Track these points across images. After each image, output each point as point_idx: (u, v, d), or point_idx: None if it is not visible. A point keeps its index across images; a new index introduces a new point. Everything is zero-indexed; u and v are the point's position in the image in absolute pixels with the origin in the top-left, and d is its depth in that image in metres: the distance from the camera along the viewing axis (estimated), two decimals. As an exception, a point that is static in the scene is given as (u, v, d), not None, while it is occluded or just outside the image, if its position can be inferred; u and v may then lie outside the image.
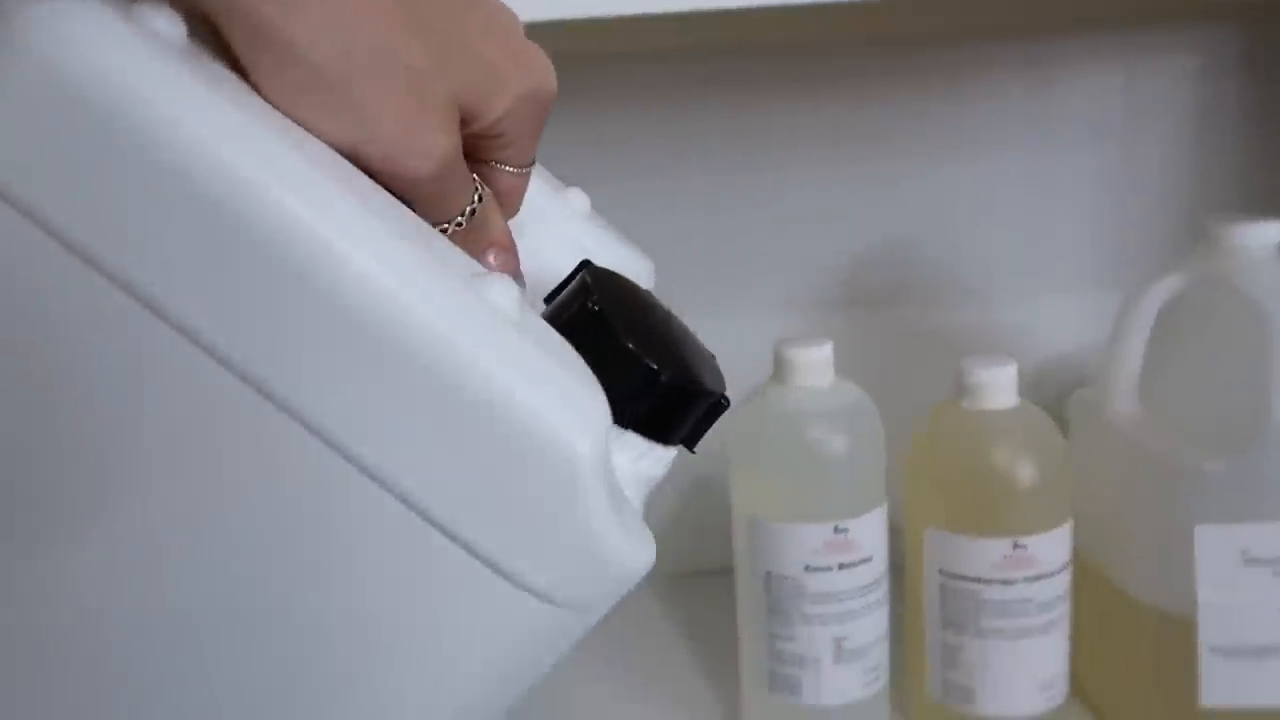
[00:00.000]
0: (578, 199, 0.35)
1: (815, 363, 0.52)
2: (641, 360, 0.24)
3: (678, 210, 0.74)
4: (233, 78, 0.22)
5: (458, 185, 0.25)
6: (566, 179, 0.52)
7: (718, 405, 0.26)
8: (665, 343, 0.26)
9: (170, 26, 0.21)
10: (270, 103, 0.22)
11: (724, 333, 0.75)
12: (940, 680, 0.55)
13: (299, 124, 0.22)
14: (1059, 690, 0.54)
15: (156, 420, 0.22)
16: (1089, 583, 0.56)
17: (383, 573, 0.23)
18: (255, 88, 0.22)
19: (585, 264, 0.27)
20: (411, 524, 0.22)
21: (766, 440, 0.52)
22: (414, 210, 0.24)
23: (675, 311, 0.31)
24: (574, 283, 0.26)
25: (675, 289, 0.76)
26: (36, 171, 0.20)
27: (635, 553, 0.24)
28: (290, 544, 0.23)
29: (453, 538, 0.23)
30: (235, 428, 0.22)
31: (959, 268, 0.75)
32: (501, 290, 0.23)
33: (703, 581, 0.46)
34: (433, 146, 0.24)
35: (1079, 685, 0.58)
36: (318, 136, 0.23)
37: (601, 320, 0.25)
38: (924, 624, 0.55)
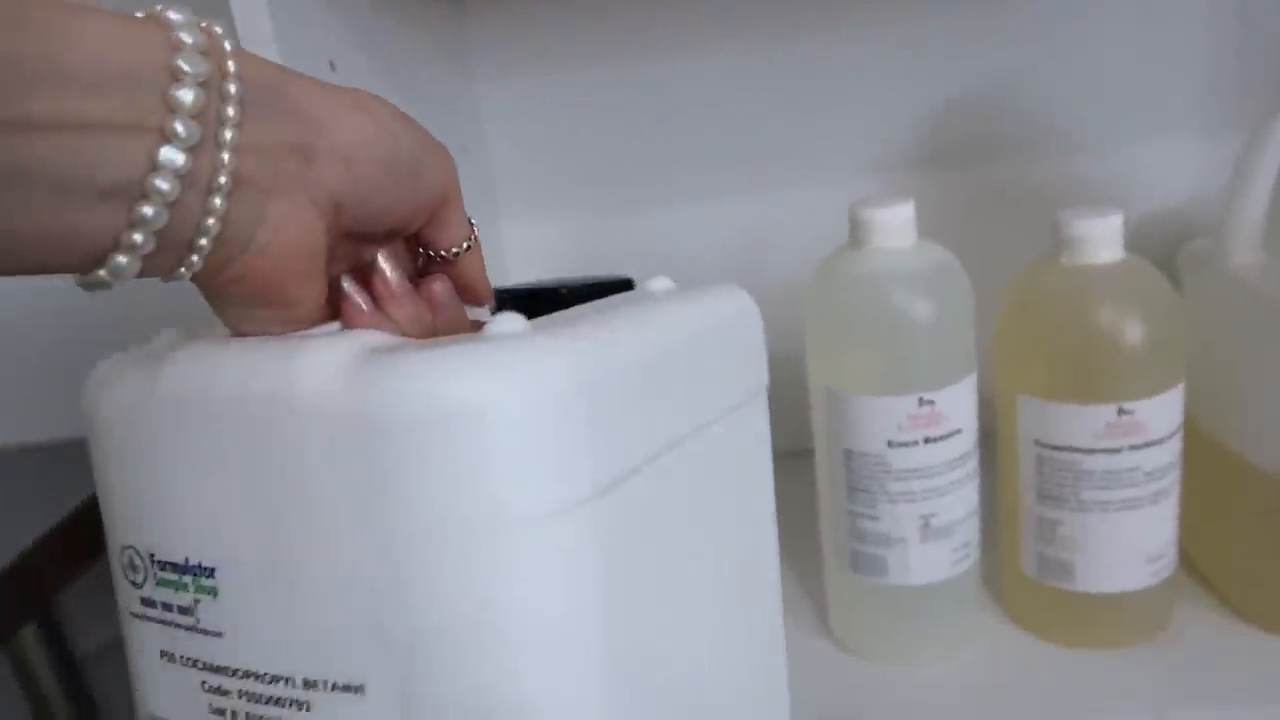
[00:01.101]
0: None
1: (895, 222, 0.47)
2: None
3: (741, 80, 0.69)
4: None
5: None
6: (623, 56, 0.49)
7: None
8: None
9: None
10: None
11: (798, 203, 0.73)
12: (1035, 555, 0.52)
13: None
14: (1167, 562, 0.51)
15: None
16: (1200, 449, 0.51)
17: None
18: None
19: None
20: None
21: (844, 307, 0.48)
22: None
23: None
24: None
25: (744, 163, 0.73)
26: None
27: None
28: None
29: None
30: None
31: (1051, 114, 0.68)
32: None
33: (780, 464, 0.44)
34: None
35: (1187, 558, 0.54)
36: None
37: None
38: (1017, 496, 0.52)
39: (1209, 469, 0.52)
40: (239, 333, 0.29)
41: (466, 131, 0.68)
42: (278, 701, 0.28)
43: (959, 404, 0.48)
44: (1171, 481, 0.49)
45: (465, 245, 0.32)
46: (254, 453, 0.27)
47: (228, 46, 0.24)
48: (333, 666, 0.27)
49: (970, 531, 0.51)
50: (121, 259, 0.24)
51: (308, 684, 0.27)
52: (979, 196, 0.69)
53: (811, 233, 0.71)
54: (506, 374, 0.25)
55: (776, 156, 0.70)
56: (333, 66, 0.46)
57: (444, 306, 0.31)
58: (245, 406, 0.27)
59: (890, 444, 0.48)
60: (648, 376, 0.30)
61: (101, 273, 0.24)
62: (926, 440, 0.48)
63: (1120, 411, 0.47)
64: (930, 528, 0.50)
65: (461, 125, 0.67)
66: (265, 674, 0.28)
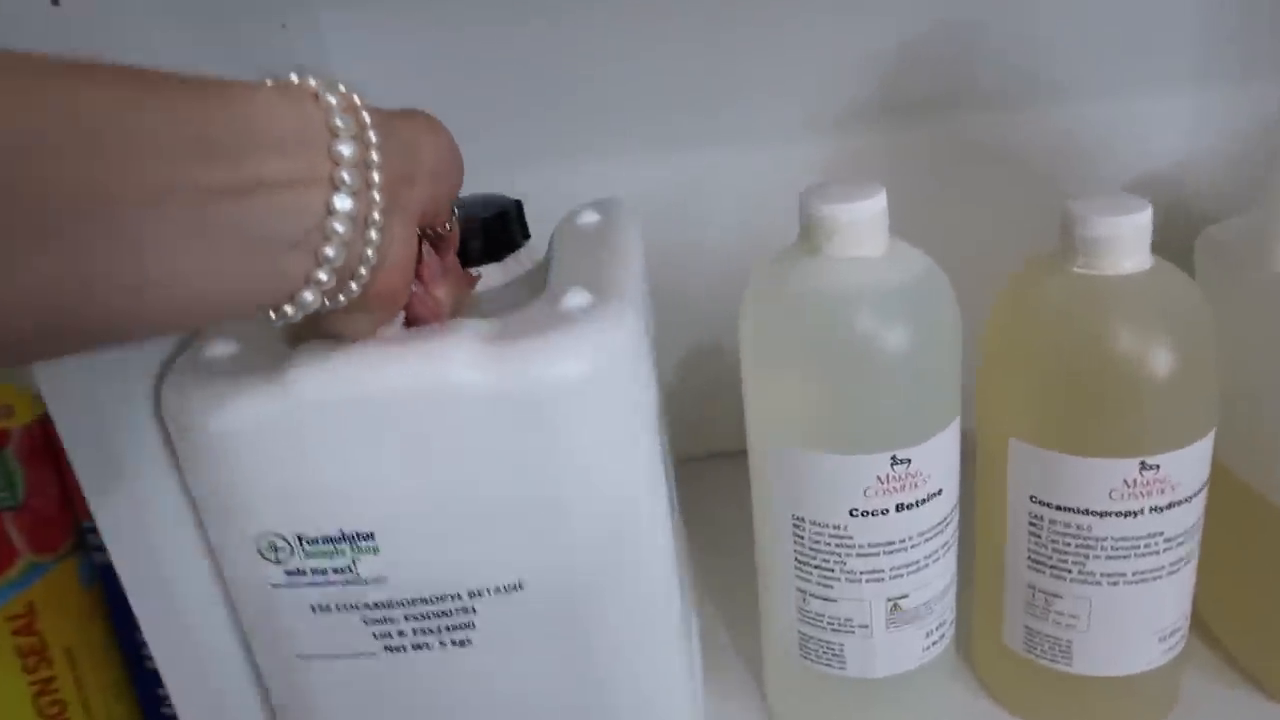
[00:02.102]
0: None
1: (863, 223, 0.35)
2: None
3: (660, 11, 0.55)
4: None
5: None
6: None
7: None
8: None
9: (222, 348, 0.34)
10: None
11: (726, 165, 0.60)
12: (1022, 629, 0.42)
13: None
14: (1180, 636, 0.41)
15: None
16: (1215, 486, 0.41)
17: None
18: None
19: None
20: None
21: (793, 336, 0.36)
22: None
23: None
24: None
25: (663, 115, 0.59)
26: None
27: None
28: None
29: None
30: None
31: (1029, 60, 0.56)
32: None
33: (706, 467, 0.36)
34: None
35: (1197, 617, 0.45)
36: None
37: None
38: (1001, 559, 0.41)
39: (1225, 510, 0.42)
40: (344, 336, 0.32)
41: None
42: (444, 614, 0.34)
43: (940, 459, 0.37)
44: (1194, 545, 0.39)
45: (449, 225, 0.35)
46: (412, 434, 0.32)
47: (356, 100, 0.27)
48: (494, 576, 0.34)
49: (947, 609, 0.41)
50: (308, 295, 0.27)
51: (471, 594, 0.34)
52: (945, 153, 0.57)
53: (740, 201, 0.59)
54: (601, 346, 0.32)
55: (700, 107, 0.57)
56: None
57: (462, 279, 0.37)
58: (403, 401, 0.31)
59: (853, 513, 0.37)
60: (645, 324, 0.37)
61: (288, 309, 0.27)
62: (899, 507, 0.37)
63: (1143, 467, 0.37)
64: (900, 611, 0.39)
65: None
66: (430, 597, 0.34)
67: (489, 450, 0.32)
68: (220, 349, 0.34)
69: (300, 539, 0.33)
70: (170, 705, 0.65)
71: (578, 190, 0.46)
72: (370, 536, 0.33)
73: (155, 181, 0.22)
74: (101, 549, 0.60)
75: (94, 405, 0.32)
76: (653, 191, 0.56)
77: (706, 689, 0.46)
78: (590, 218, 0.43)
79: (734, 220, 0.59)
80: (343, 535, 0.33)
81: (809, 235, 0.36)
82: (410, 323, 0.34)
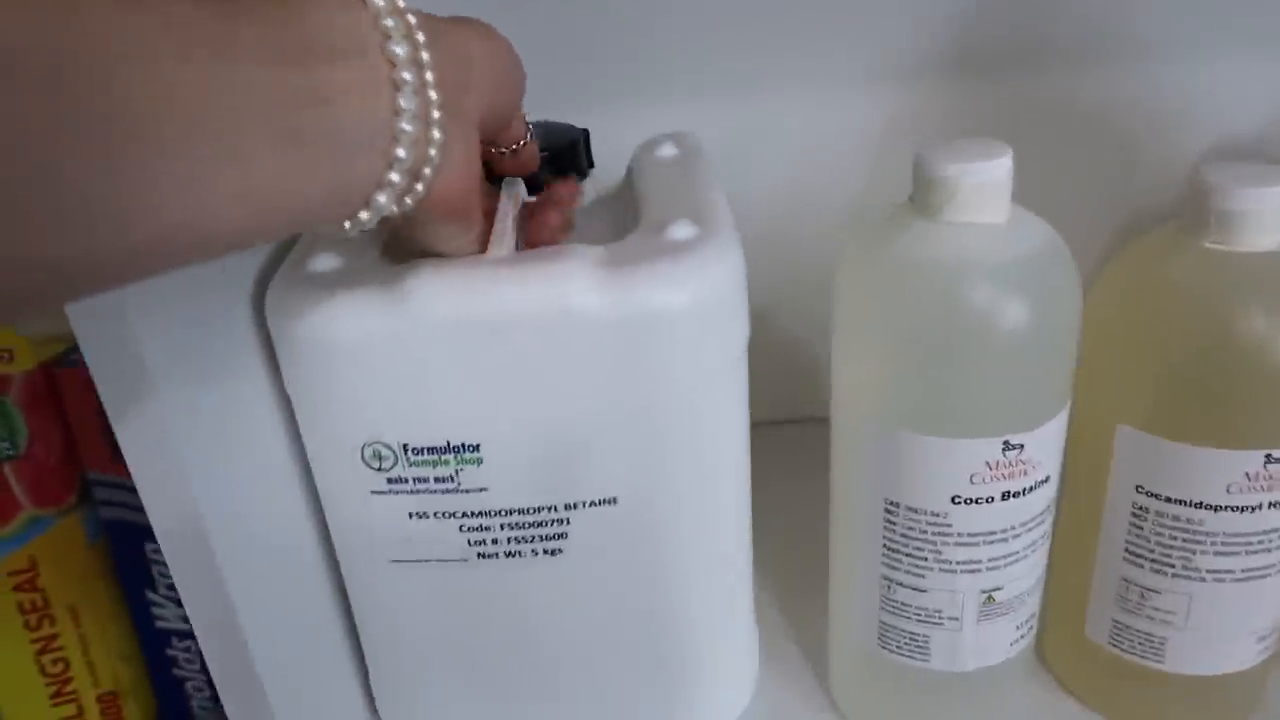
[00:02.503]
0: None
1: (988, 185, 0.32)
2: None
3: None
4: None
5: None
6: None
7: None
8: None
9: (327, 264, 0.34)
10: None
11: (789, 114, 0.56)
12: (1109, 623, 0.39)
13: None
14: (1276, 637, 0.39)
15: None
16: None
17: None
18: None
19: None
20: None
21: (903, 310, 0.33)
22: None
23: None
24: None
25: (725, 59, 0.55)
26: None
27: None
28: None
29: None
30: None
31: (1112, 15, 0.53)
32: None
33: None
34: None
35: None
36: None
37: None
38: (1093, 550, 0.39)
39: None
40: (433, 252, 0.32)
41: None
42: (539, 525, 0.35)
43: (1050, 446, 0.34)
44: (1307, 541, 0.37)
45: (525, 140, 0.35)
46: (524, 352, 0.32)
47: (400, 3, 0.27)
48: (590, 491, 0.35)
49: (1036, 603, 0.38)
50: (381, 199, 0.27)
51: (567, 506, 0.35)
52: (1015, 111, 0.54)
53: (796, 151, 0.56)
54: (710, 275, 0.33)
55: (762, 50, 0.53)
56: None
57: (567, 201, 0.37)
58: (519, 320, 0.32)
59: (955, 500, 0.34)
60: None
61: (364, 215, 0.27)
62: (1005, 495, 0.34)
63: (1269, 460, 0.34)
64: (993, 603, 0.36)
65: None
66: (527, 508, 0.35)
67: (597, 371, 0.32)
68: (325, 263, 0.34)
69: (405, 448, 0.34)
70: (181, 668, 0.62)
71: (630, 133, 0.43)
72: (475, 448, 0.33)
73: (244, 84, 0.22)
74: (107, 503, 0.57)
75: (188, 316, 0.30)
76: (706, 137, 0.52)
77: (764, 674, 0.43)
78: (669, 150, 0.42)
79: (789, 171, 0.56)
80: (448, 446, 0.34)
81: (925, 197, 0.32)
82: (530, 244, 0.34)
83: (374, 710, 0.43)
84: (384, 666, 0.40)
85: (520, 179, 0.37)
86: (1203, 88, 0.54)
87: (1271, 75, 0.54)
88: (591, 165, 0.42)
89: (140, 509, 0.58)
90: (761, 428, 0.40)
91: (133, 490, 0.57)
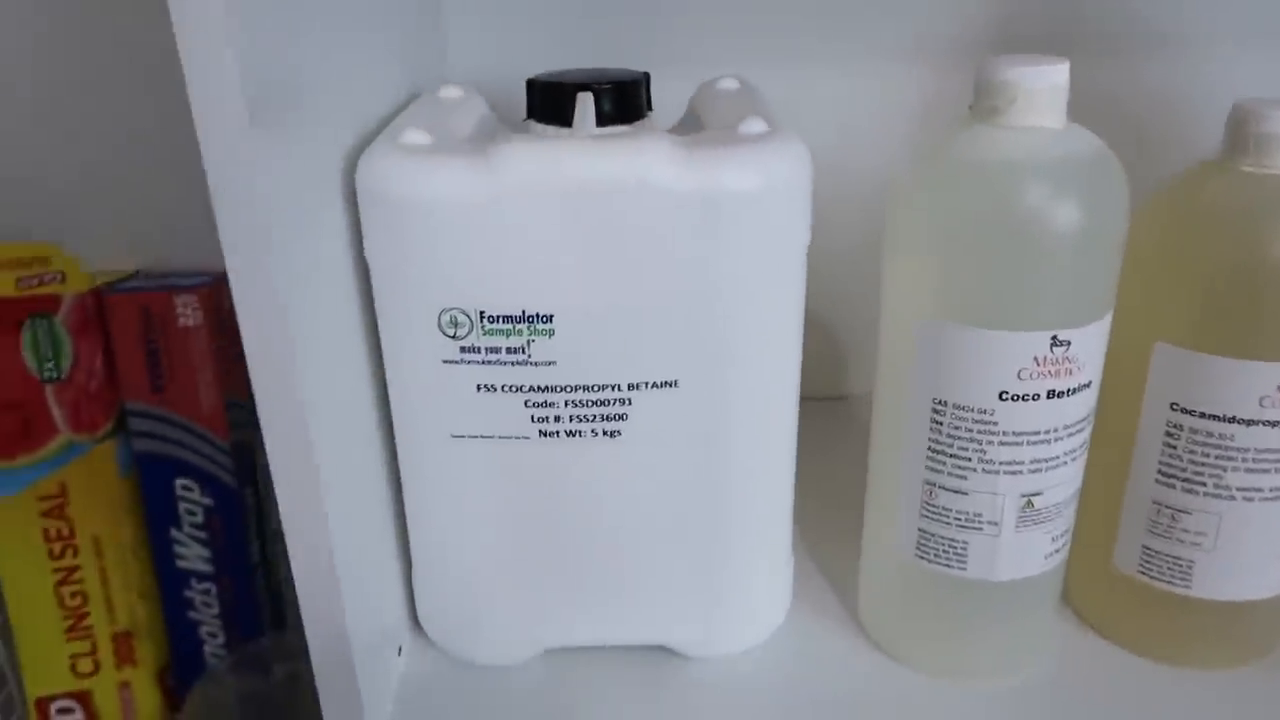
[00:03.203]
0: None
1: (1045, 90, 0.34)
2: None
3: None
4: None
5: None
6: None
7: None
8: None
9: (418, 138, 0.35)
10: None
11: (826, 87, 0.59)
12: (1139, 549, 0.41)
13: None
14: (1300, 567, 0.40)
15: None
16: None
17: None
18: None
19: None
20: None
21: (962, 203, 0.35)
22: None
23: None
24: None
25: (768, 30, 0.59)
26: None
27: None
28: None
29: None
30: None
31: (1136, 6, 0.56)
32: None
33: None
34: None
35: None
36: None
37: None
38: (1124, 473, 0.40)
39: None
40: None
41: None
42: (602, 404, 0.36)
43: (1095, 348, 0.36)
44: (1332, 466, 0.38)
45: None
46: (602, 224, 0.34)
47: None
48: (653, 371, 0.36)
49: (1071, 517, 0.39)
50: None
51: (630, 386, 0.36)
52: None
53: (832, 125, 0.58)
54: (780, 163, 0.35)
55: (804, 22, 0.56)
56: None
57: None
58: (600, 191, 0.33)
59: (1003, 396, 0.35)
60: None
61: None
62: (1050, 394, 0.35)
63: (1299, 373, 0.36)
64: (1032, 509, 0.37)
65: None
66: (592, 385, 0.36)
67: (668, 250, 0.34)
68: (416, 136, 0.35)
69: (482, 315, 0.35)
70: (197, 611, 0.62)
71: (672, 98, 0.46)
72: (549, 319, 0.35)
73: None
74: (142, 434, 0.57)
75: (280, 177, 0.31)
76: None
77: (795, 602, 0.44)
78: (731, 84, 0.44)
79: (827, 142, 0.58)
80: (523, 315, 0.35)
81: (986, 100, 0.34)
82: None
83: (413, 614, 0.43)
84: (431, 557, 0.41)
85: (590, 95, 0.39)
86: (1234, 81, 0.57)
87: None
88: (650, 107, 0.44)
89: (175, 442, 0.59)
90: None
91: (170, 423, 0.58)
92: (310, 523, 0.33)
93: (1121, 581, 0.42)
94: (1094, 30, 0.56)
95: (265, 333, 0.30)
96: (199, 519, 0.59)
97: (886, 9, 0.56)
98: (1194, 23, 0.56)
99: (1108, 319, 0.36)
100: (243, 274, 0.30)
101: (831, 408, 0.61)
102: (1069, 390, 0.36)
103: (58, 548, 0.58)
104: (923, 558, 0.39)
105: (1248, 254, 0.35)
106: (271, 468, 0.32)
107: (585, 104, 0.38)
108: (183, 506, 0.59)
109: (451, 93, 0.44)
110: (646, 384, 0.36)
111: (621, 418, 0.36)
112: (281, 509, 0.33)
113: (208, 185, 0.29)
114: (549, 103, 0.38)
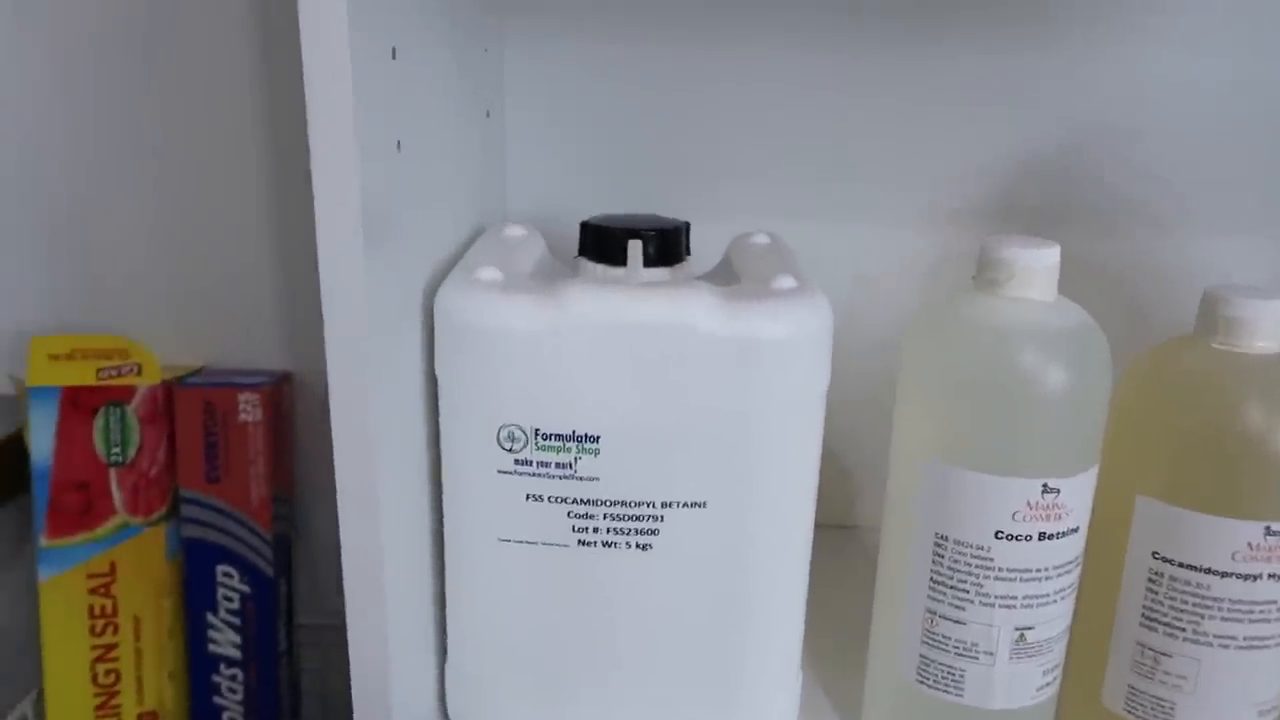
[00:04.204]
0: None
1: (1039, 269, 0.39)
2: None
3: (798, 85, 0.61)
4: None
5: None
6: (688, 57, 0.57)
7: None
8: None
9: (491, 274, 0.41)
10: None
11: (838, 245, 0.65)
12: (1124, 688, 0.43)
13: None
14: (1275, 715, 0.43)
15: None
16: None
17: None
18: None
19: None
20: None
21: (965, 362, 0.40)
22: None
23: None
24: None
25: (783, 183, 0.65)
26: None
27: None
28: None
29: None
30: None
31: (1132, 186, 0.62)
32: None
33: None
34: None
35: None
36: None
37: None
38: (1110, 617, 0.44)
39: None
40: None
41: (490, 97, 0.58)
42: (636, 519, 0.41)
43: (1082, 496, 0.40)
44: (1302, 621, 0.42)
45: None
46: (649, 360, 0.39)
47: None
48: (684, 492, 0.40)
49: (1062, 652, 0.43)
50: None
51: (664, 504, 0.41)
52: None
53: (855, 280, 0.64)
54: (807, 317, 0.40)
55: (820, 183, 0.62)
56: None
57: None
58: (650, 332, 0.39)
59: (998, 534, 0.39)
60: None
61: None
62: (1042, 536, 0.39)
63: (1268, 532, 0.39)
64: (1025, 642, 0.41)
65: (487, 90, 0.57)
66: (629, 501, 0.40)
67: (705, 385, 0.39)
68: (489, 273, 0.41)
69: (537, 432, 0.40)
70: (222, 696, 0.64)
71: (707, 243, 0.51)
72: (595, 439, 0.39)
73: None
74: (192, 521, 0.61)
75: (379, 294, 0.36)
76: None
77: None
78: (762, 239, 0.50)
79: (843, 296, 0.63)
80: (573, 435, 0.39)
81: (987, 273, 0.40)
82: None
83: (443, 706, 0.46)
84: (466, 650, 0.44)
85: (639, 243, 0.44)
86: (1210, 262, 0.62)
87: (1267, 250, 0.63)
88: (689, 252, 0.49)
89: (222, 530, 0.63)
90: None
91: (220, 511, 0.62)
92: (371, 608, 0.37)
93: (1110, 718, 0.44)
94: (1090, 207, 0.62)
95: (353, 429, 0.35)
96: (235, 605, 0.62)
97: (904, 180, 0.62)
98: (1178, 209, 0.62)
99: (1094, 471, 0.40)
100: (340, 374, 0.35)
101: (842, 535, 0.64)
102: (1059, 533, 0.40)
103: (100, 624, 0.61)
104: (923, 683, 0.42)
105: (1216, 422, 0.40)
106: (343, 555, 0.36)
107: (635, 250, 0.43)
108: (221, 592, 0.62)
109: (515, 231, 0.49)
110: (678, 503, 0.40)
111: (654, 532, 0.40)
112: (347, 589, 0.37)
113: (280, 291, 0.34)
114: (601, 244, 0.44)
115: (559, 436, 0.39)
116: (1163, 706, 0.43)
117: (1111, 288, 0.62)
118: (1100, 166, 0.62)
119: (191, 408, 0.60)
